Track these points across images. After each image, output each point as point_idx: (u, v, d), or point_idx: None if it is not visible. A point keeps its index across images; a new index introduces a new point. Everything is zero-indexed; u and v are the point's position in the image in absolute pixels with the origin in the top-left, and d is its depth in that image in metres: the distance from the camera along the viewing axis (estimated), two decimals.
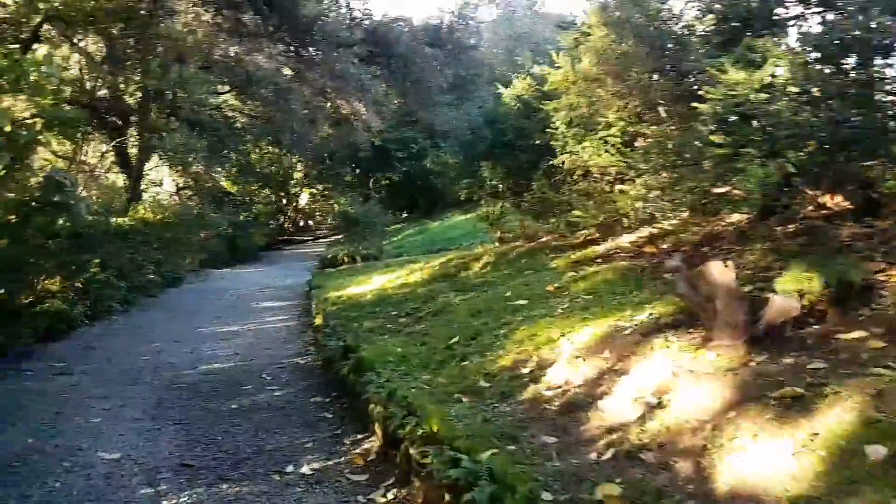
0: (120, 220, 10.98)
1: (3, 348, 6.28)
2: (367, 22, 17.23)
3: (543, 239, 8.97)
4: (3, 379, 5.90)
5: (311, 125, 16.11)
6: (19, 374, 6.15)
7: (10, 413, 4.92)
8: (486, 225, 10.17)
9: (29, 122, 4.34)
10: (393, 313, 6.48)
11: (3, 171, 4.06)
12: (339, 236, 34.79)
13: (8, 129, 4.14)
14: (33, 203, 4.03)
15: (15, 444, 4.26)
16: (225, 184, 21.03)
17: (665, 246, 5.92)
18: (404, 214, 25.43)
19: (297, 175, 32.44)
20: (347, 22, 16.71)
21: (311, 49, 15.64)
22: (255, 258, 22.78)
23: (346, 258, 16.49)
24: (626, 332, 3.98)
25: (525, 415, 3.46)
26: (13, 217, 4.13)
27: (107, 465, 3.98)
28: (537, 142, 7.88)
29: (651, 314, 4.06)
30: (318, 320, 7.70)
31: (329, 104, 16.36)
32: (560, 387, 3.71)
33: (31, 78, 4.12)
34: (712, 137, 4.09)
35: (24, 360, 6.73)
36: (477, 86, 19.65)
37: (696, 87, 4.61)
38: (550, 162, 7.92)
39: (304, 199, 37.17)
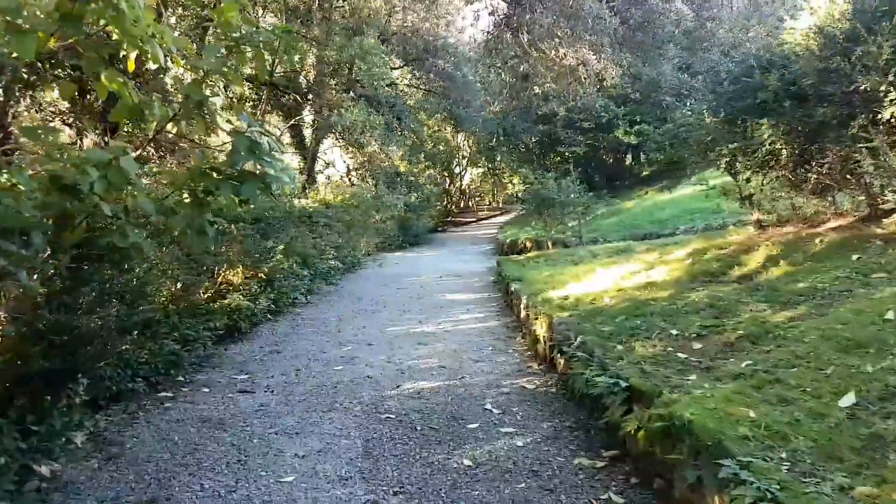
0: (302, 202, 10.08)
1: (177, 358, 5.18)
2: None
3: (833, 224, 6.48)
4: (175, 400, 4.82)
5: (524, 81, 13.92)
6: (194, 392, 5.07)
7: (183, 461, 3.69)
8: (738, 203, 7.74)
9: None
10: (672, 332, 4.51)
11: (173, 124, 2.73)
12: (504, 217, 33.28)
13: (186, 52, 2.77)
14: (216, 174, 2.55)
15: None
16: (397, 163, 20.20)
17: None
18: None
19: (462, 153, 31.34)
20: None
21: None
22: (425, 241, 21.89)
23: (528, 243, 14.74)
24: None
25: None
26: (187, 196, 2.71)
27: None
28: (862, 87, 5.42)
29: None
30: (541, 328, 5.96)
31: (554, 52, 14.00)
32: None
33: None
34: None
35: (202, 368, 5.73)
36: (713, 33, 16.47)
37: None
38: (879, 115, 5.45)
39: (467, 178, 36.14)
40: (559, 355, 5.21)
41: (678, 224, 12.15)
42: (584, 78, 13.96)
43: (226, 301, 6.49)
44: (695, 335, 4.34)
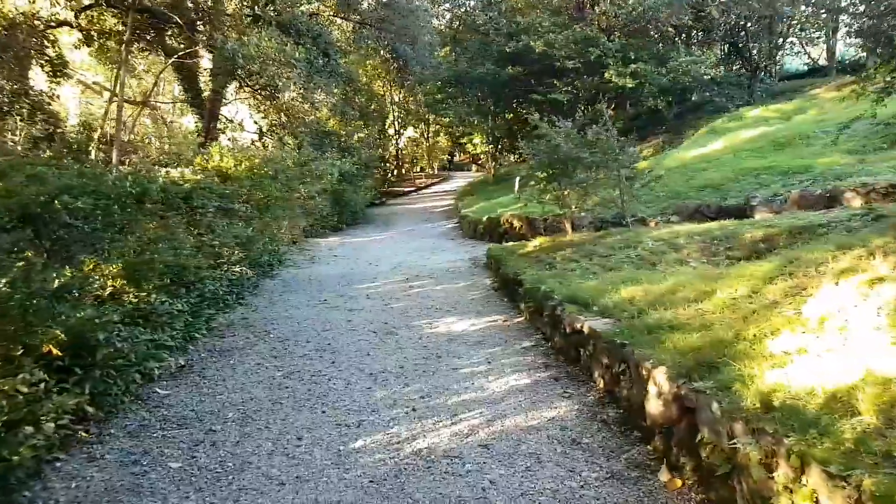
0: (173, 173, 5.66)
1: None
2: None
3: None
4: None
5: None
6: None
7: None
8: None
9: None
10: None
11: None
12: (448, 185, 29.14)
13: None
14: None
15: None
16: (323, 119, 15.56)
17: None
18: None
19: (397, 112, 26.77)
20: None
21: None
22: (364, 219, 17.56)
23: (516, 222, 10.86)
24: None
25: None
26: None
27: None
28: None
29: None
30: None
31: None
32: None
33: None
34: None
35: None
36: None
37: None
38: None
39: (402, 140, 31.59)
40: None
41: (745, 190, 8.57)
42: None
43: None
44: None
